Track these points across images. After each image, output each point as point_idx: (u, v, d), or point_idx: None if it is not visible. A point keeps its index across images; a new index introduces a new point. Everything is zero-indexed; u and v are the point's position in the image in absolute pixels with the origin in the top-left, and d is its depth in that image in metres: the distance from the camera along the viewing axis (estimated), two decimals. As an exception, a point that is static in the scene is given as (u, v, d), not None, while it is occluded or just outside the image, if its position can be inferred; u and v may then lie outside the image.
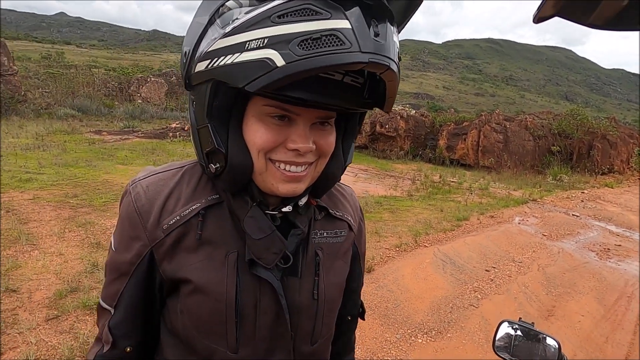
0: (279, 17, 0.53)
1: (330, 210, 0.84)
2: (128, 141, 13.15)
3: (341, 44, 0.52)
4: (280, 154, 0.66)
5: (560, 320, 4.00)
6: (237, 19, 0.57)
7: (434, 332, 3.55)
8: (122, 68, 31.77)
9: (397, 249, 5.40)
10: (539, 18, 0.41)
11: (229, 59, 0.57)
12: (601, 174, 14.41)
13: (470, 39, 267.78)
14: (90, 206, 5.97)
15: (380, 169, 12.98)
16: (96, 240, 4.70)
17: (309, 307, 0.77)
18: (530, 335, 1.25)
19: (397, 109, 18.36)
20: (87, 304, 3.34)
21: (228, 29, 0.58)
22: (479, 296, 4.33)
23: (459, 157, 15.35)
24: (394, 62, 0.57)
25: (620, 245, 6.66)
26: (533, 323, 1.28)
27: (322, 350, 0.86)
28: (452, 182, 11.34)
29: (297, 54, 0.52)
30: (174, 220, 0.70)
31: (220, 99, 0.63)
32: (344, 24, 0.52)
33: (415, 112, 18.72)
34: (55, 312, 3.24)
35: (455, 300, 4.18)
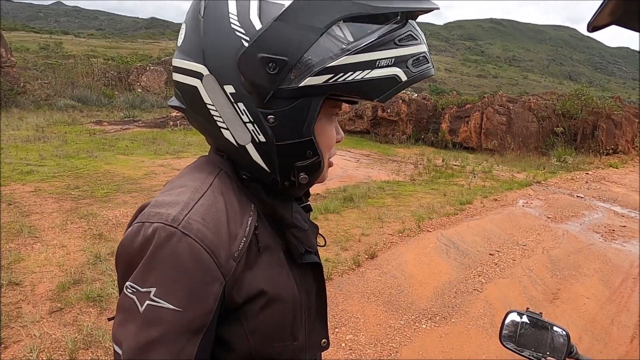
0: (399, 40, 0.63)
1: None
2: (129, 131, 13.10)
3: (427, 63, 0.66)
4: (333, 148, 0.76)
5: (566, 304, 3.98)
6: (366, 35, 0.62)
7: (438, 318, 3.54)
8: (121, 57, 31.44)
9: (401, 234, 5.38)
10: (594, 27, 0.41)
11: (358, 75, 0.61)
12: (606, 155, 14.27)
13: (472, 20, 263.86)
14: (92, 197, 5.96)
15: (383, 153, 12.90)
16: (98, 232, 4.70)
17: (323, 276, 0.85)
18: (538, 326, 1.22)
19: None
20: (90, 295, 3.34)
21: (359, 45, 0.61)
22: (483, 280, 4.31)
23: (462, 140, 15.22)
24: None
25: (625, 227, 6.61)
26: (541, 313, 1.24)
27: None
28: (455, 165, 11.26)
29: (412, 71, 0.64)
30: (242, 244, 0.64)
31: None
32: (425, 47, 0.66)
33: (417, 95, 18.52)
34: (59, 305, 3.25)
35: (460, 285, 4.16)
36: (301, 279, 0.75)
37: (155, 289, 0.56)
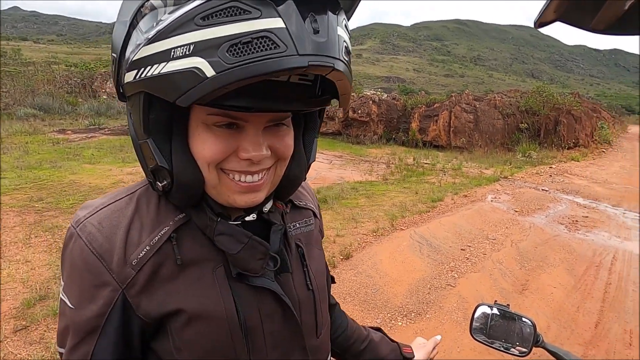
0: (203, 18, 0.47)
1: (295, 202, 0.82)
2: (94, 139, 12.71)
3: (275, 47, 0.46)
4: (232, 163, 0.61)
5: (534, 294, 4.12)
6: (161, 20, 0.50)
7: (413, 314, 3.59)
8: (85, 63, 30.53)
9: (374, 233, 5.44)
10: (540, 23, 0.41)
11: (155, 69, 0.51)
12: (567, 149, 14.87)
13: (438, 21, 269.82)
14: (57, 209, 5.75)
15: (355, 154, 13.01)
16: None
17: (308, 299, 0.74)
18: (507, 317, 1.26)
19: (368, 93, 18.38)
20: (57, 311, 3.22)
21: (151, 33, 0.51)
22: (456, 275, 4.40)
23: (432, 138, 15.53)
24: (341, 60, 0.52)
25: (587, 217, 6.90)
26: (508, 305, 1.28)
27: (326, 340, 0.84)
28: (426, 164, 11.48)
29: (227, 62, 0.46)
30: (143, 252, 0.61)
31: (157, 112, 0.56)
32: (276, 22, 0.47)
33: (387, 96, 18.79)
34: (24, 323, 3.12)
35: (433, 281, 4.24)
36: (256, 299, 0.67)
37: (63, 284, 0.64)
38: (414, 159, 11.76)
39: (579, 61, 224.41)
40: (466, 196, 7.74)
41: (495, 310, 1.26)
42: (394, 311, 3.62)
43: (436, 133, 15.47)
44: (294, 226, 0.79)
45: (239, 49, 0.46)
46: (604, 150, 16.23)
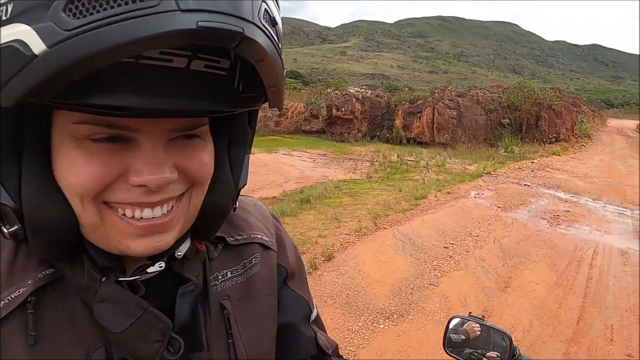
0: None
1: (229, 239, 0.61)
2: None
3: (140, 0, 0.31)
4: (120, 193, 0.42)
5: (517, 291, 4.11)
6: None
7: (395, 316, 3.54)
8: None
9: (357, 233, 5.37)
10: None
11: None
12: (549, 143, 15.05)
13: (421, 17, 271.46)
14: None
15: (339, 152, 12.95)
16: None
17: None
18: (482, 330, 1.19)
19: (352, 91, 18.34)
20: None
21: None
22: (439, 274, 4.37)
23: (415, 135, 15.56)
24: (257, 25, 0.36)
25: (568, 211, 6.95)
26: (483, 317, 1.22)
27: None
28: (410, 161, 11.48)
29: (64, 26, 0.30)
30: None
31: None
32: None
33: (371, 93, 18.79)
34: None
35: (416, 281, 4.19)
36: None
37: None
38: (397, 156, 11.76)
39: (559, 56, 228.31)
40: (449, 193, 7.74)
41: (469, 323, 1.19)
42: (376, 313, 3.56)
43: (420, 130, 15.51)
44: (222, 276, 0.59)
45: (82, 4, 0.30)
46: (584, 144, 16.49)
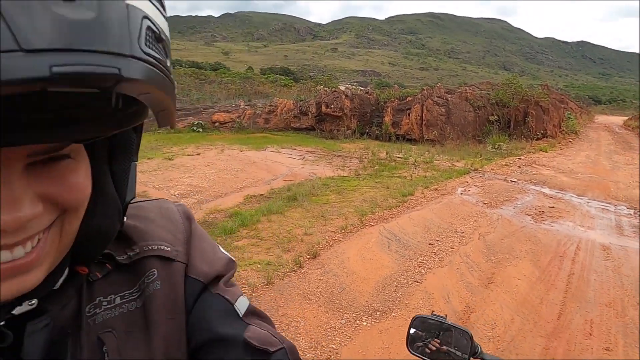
0: None
1: (120, 257, 0.51)
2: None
3: None
4: None
5: (499, 287, 4.15)
6: None
7: (378, 313, 3.55)
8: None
9: (343, 230, 5.38)
10: None
11: None
12: (536, 140, 15.19)
13: (412, 14, 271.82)
14: None
15: (328, 149, 12.94)
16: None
17: None
18: (443, 328, 1.20)
19: (342, 88, 18.33)
20: None
21: None
22: (423, 271, 4.39)
23: (405, 132, 15.61)
24: (136, 57, 0.30)
25: (553, 207, 7.03)
26: (446, 316, 1.23)
27: None
28: (398, 157, 11.51)
29: None
30: None
31: None
32: None
33: (360, 89, 18.80)
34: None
35: (400, 278, 4.21)
36: None
37: None
38: (386, 153, 11.78)
39: (548, 53, 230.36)
40: (437, 190, 7.78)
41: (432, 322, 1.20)
42: (359, 311, 3.57)
43: (409, 126, 15.56)
44: (108, 303, 0.48)
45: None
46: (571, 140, 16.66)
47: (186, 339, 0.53)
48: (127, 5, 0.30)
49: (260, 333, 0.54)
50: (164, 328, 0.51)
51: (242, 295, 0.59)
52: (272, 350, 0.53)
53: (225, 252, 0.63)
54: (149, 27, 0.32)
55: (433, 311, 1.27)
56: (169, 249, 0.55)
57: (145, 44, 0.31)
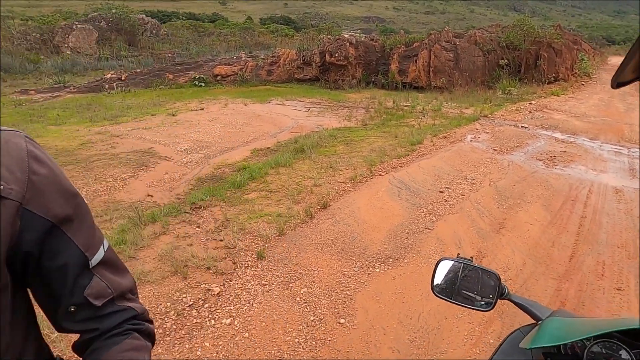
0: None
1: None
2: (60, 98, 12.09)
3: None
4: None
5: (511, 232, 4.15)
6: None
7: (391, 260, 3.58)
8: (42, 16, 28.47)
9: (352, 181, 5.35)
10: (618, 83, 0.43)
11: None
12: (548, 83, 14.72)
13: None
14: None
15: (334, 100, 12.66)
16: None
17: None
18: (469, 270, 1.17)
19: (346, 35, 17.65)
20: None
21: None
22: (434, 218, 4.39)
23: (412, 80, 15.16)
24: None
25: (565, 152, 6.91)
26: (472, 258, 1.20)
27: None
28: (406, 106, 11.26)
29: None
30: None
31: None
32: None
33: (365, 37, 18.10)
34: None
35: (411, 226, 4.22)
36: None
37: None
38: (393, 102, 11.52)
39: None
40: (445, 137, 7.65)
41: (457, 265, 1.17)
42: (371, 258, 3.61)
43: (416, 74, 15.09)
44: None
45: None
46: (583, 83, 16.14)
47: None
48: None
49: (107, 282, 0.66)
50: None
51: (98, 246, 0.67)
52: (97, 302, 0.66)
53: (76, 191, 0.67)
54: None
55: (459, 254, 1.24)
56: (12, 185, 0.56)
57: None
